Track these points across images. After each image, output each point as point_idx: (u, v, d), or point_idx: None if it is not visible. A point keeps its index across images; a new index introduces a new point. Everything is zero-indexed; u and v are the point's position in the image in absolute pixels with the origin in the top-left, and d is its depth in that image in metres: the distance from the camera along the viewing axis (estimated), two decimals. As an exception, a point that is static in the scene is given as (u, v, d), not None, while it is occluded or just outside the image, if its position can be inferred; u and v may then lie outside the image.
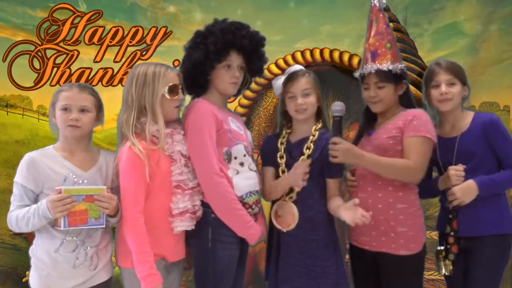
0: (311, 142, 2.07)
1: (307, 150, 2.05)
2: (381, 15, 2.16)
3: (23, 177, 1.84)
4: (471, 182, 2.06)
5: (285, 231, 2.04)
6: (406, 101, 2.15)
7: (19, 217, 1.82)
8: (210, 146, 1.96)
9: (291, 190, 2.05)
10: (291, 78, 2.10)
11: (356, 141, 2.19)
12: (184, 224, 1.93)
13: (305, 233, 2.01)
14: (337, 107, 2.03)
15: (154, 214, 1.90)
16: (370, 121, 2.21)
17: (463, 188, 2.06)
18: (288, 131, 2.16)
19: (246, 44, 2.04)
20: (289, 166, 2.07)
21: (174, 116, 2.00)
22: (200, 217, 1.98)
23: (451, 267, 2.10)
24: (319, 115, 2.14)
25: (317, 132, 2.08)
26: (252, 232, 2.01)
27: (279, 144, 2.13)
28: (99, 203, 1.79)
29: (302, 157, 2.03)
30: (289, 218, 2.02)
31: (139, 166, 1.84)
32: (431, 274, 3.32)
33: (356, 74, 2.19)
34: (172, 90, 1.95)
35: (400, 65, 2.10)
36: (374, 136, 2.12)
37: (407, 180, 2.03)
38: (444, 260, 2.11)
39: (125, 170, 1.87)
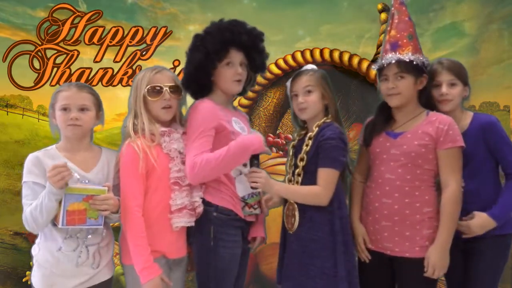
0: (309, 138, 2.02)
1: (305, 147, 2.02)
2: (404, 8, 2.10)
3: (33, 175, 1.83)
4: (487, 218, 2.03)
5: (291, 232, 2.04)
6: (425, 99, 2.07)
7: (33, 208, 1.78)
8: (204, 139, 1.94)
9: None
10: (295, 76, 2.10)
11: (369, 139, 2.09)
12: (183, 220, 1.94)
13: (305, 232, 2.00)
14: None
15: (153, 210, 1.93)
16: (386, 118, 2.10)
17: (483, 226, 2.03)
18: (302, 132, 2.14)
19: (244, 40, 2.04)
20: (295, 166, 2.05)
21: (163, 117, 2.01)
22: (200, 213, 1.99)
23: None
24: (328, 112, 2.07)
25: (317, 128, 2.02)
26: None
27: (290, 147, 2.13)
28: (94, 206, 1.78)
29: (299, 155, 2.02)
30: (293, 218, 2.02)
31: (137, 161, 1.88)
32: (431, 274, 3.30)
33: (374, 67, 2.12)
34: (152, 90, 1.97)
35: (421, 57, 2.02)
36: (402, 140, 2.01)
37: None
38: None
39: (124, 165, 1.92)
